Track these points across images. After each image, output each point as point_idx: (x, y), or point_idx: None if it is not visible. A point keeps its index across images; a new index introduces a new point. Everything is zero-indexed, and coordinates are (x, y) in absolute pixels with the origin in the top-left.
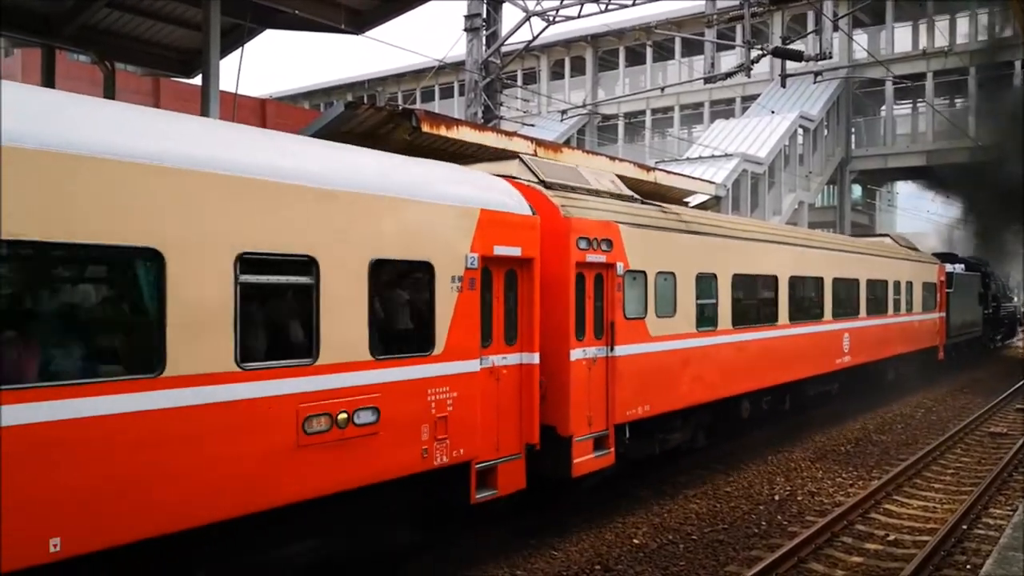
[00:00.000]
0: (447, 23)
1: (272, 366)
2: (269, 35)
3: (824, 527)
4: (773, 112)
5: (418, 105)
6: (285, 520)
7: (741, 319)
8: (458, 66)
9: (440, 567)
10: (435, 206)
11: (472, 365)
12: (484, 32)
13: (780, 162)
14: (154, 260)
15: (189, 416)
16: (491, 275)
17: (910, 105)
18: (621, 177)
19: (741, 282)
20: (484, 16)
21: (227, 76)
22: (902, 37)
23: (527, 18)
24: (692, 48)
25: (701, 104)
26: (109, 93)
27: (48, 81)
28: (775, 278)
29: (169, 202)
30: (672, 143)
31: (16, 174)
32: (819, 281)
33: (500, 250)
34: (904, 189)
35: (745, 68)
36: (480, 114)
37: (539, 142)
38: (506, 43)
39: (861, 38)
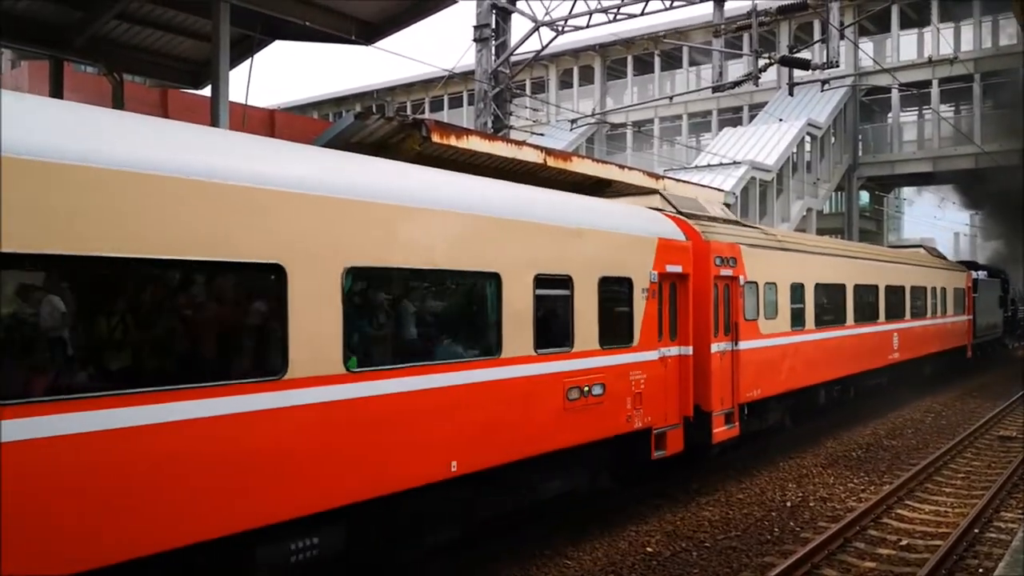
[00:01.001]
0: (456, 33)
1: (551, 352)
2: (277, 45)
3: (837, 533)
4: (781, 120)
5: (427, 115)
6: (543, 464)
7: (820, 320)
8: (467, 76)
9: None
10: (633, 236)
11: (653, 355)
12: (493, 42)
13: (788, 169)
14: (496, 280)
15: (512, 384)
16: (662, 287)
17: (916, 112)
18: (630, 185)
19: (820, 289)
20: (493, 26)
21: (236, 87)
22: (907, 45)
23: (536, 28)
24: (700, 57)
25: (709, 112)
26: (118, 105)
27: (56, 93)
28: (843, 286)
29: (505, 242)
30: (680, 151)
31: (442, 229)
32: (875, 288)
33: (669, 268)
34: (911, 195)
35: (753, 77)
36: (490, 124)
37: (548, 151)
38: (515, 53)
39: (867, 46)
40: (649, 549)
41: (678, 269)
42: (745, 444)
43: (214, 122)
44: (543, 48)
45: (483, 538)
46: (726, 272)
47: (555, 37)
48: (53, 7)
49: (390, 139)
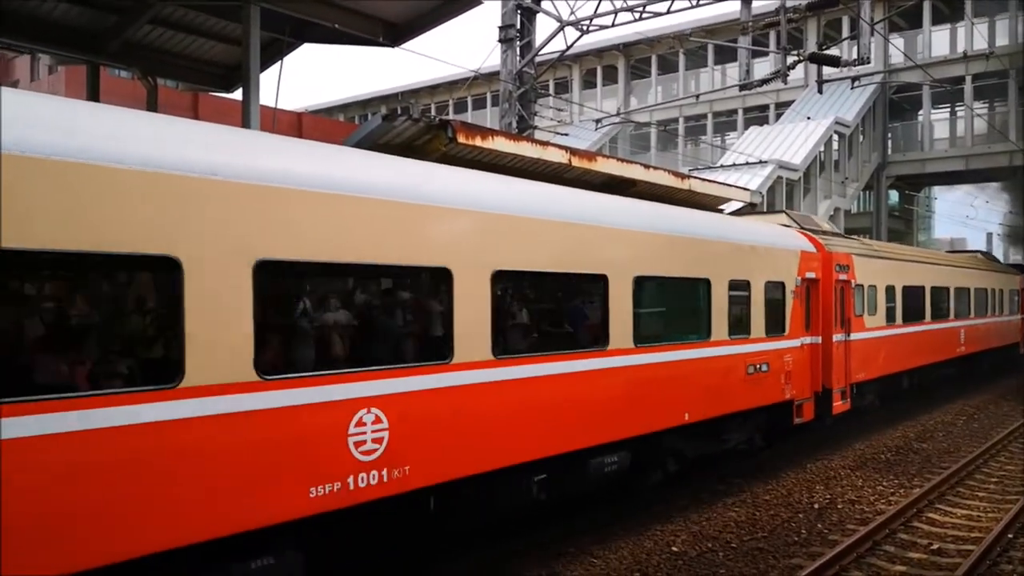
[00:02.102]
0: (480, 35)
1: (739, 337)
2: (302, 49)
3: (866, 535)
4: (808, 118)
5: (451, 116)
6: (730, 421)
7: (906, 317)
8: (491, 77)
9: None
10: (786, 250)
11: (797, 342)
12: (518, 43)
13: (815, 168)
14: (707, 283)
15: (717, 360)
16: (801, 289)
17: (948, 109)
18: (655, 184)
19: (907, 291)
20: (518, 27)
21: (265, 90)
22: (939, 40)
23: (561, 28)
24: (725, 55)
25: (735, 111)
26: (152, 108)
27: (93, 97)
28: (923, 288)
29: (715, 257)
30: (705, 151)
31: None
32: (946, 290)
33: (807, 274)
34: (943, 194)
35: (781, 75)
36: (514, 124)
37: (573, 151)
38: (539, 53)
39: (897, 42)
40: (675, 548)
41: (812, 275)
42: (852, 418)
43: (245, 125)
44: (568, 48)
45: (508, 535)
46: (842, 277)
47: (580, 37)
48: (88, 13)
49: (416, 140)
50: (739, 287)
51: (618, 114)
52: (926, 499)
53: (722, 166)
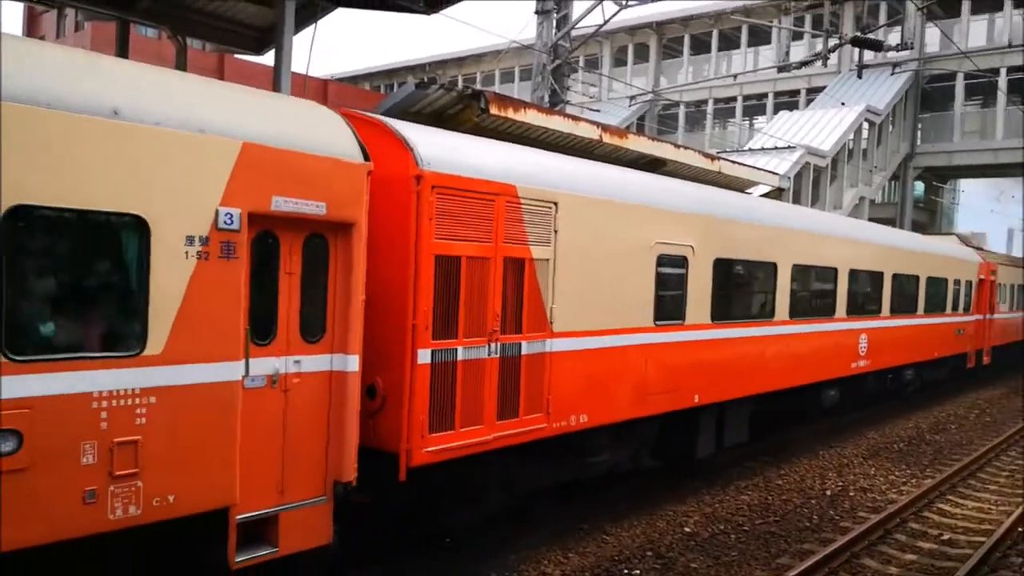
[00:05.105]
0: (514, 7)
1: (954, 312)
2: (331, 16)
3: (877, 524)
4: (843, 104)
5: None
6: (941, 361)
7: (1021, 305)
8: (521, 50)
9: (493, 550)
10: (973, 262)
11: (973, 318)
12: (555, 14)
13: (843, 156)
14: (947, 281)
15: (943, 326)
16: (976, 284)
17: (980, 102)
18: (684, 165)
19: (1020, 288)
20: None
21: (296, 55)
22: (976, 31)
23: (600, 1)
24: (759, 37)
25: (764, 95)
26: (180, 68)
27: (122, 54)
28: None
29: (949, 266)
30: (733, 133)
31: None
32: None
33: (980, 276)
34: (968, 188)
35: (822, 56)
36: (546, 98)
37: (604, 127)
38: (575, 27)
39: (933, 31)
40: (687, 529)
41: (982, 276)
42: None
43: (276, 90)
44: (605, 22)
45: (521, 512)
46: (992, 278)
47: (618, 11)
48: None
49: (448, 110)
50: (956, 282)
51: (651, 92)
52: (937, 490)
53: (750, 149)
